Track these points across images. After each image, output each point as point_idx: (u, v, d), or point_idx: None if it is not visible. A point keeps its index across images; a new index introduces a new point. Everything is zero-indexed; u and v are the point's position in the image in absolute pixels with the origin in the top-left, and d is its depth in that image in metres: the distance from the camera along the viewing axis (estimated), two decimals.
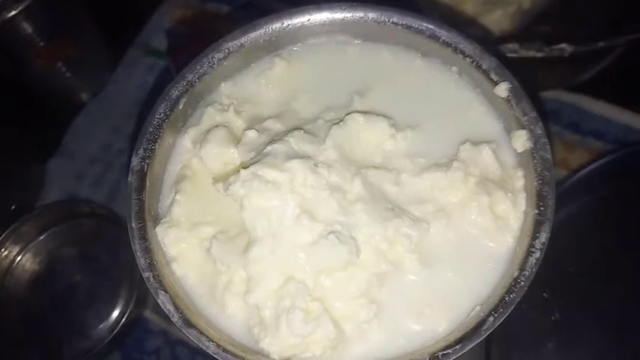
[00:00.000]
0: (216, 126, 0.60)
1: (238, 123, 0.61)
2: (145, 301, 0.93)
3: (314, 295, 0.51)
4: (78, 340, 0.90)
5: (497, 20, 0.93)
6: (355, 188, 0.54)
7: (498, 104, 0.58)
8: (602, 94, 0.95)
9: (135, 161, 0.57)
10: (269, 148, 0.54)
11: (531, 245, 0.51)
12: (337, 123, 0.58)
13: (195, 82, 0.61)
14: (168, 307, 0.52)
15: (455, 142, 0.58)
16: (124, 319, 0.88)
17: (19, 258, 0.96)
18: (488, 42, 0.70)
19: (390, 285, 0.53)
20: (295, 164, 0.52)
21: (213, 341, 0.50)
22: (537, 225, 0.52)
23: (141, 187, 0.56)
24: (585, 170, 0.85)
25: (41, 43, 0.96)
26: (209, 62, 0.61)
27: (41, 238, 0.97)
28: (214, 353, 0.50)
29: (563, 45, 0.77)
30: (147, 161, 0.57)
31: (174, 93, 0.60)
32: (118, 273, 0.92)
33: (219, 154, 0.58)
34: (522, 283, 0.50)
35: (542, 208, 0.52)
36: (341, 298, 0.52)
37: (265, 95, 0.63)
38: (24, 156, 1.06)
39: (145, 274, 0.53)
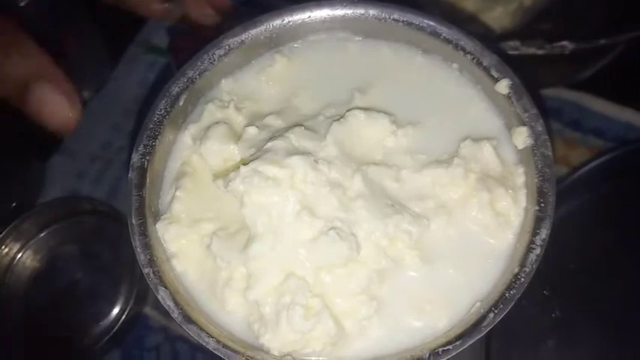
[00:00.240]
0: (217, 122, 0.60)
1: (239, 119, 0.61)
2: (146, 298, 0.93)
3: (314, 292, 0.51)
4: (78, 337, 0.90)
5: (498, 17, 0.93)
6: (356, 185, 0.54)
7: (499, 101, 0.58)
8: (603, 92, 0.95)
9: (135, 158, 0.57)
10: (269, 144, 0.54)
11: (532, 242, 0.51)
12: (338, 119, 0.58)
13: (195, 78, 0.61)
14: (168, 303, 0.51)
15: (455, 139, 0.58)
16: (124, 316, 0.89)
17: (19, 255, 0.96)
18: (489, 39, 0.70)
19: (391, 281, 0.53)
20: (296, 160, 0.52)
21: (213, 337, 0.50)
22: (538, 222, 0.52)
23: (141, 184, 0.56)
24: (586, 168, 0.85)
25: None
26: (209, 59, 0.61)
27: (42, 235, 0.97)
28: (214, 349, 0.50)
29: (564, 42, 0.77)
30: (147, 158, 0.57)
31: (175, 89, 0.60)
32: (118, 270, 0.92)
33: (220, 151, 0.58)
34: (523, 279, 0.50)
35: (542, 205, 0.52)
36: (341, 294, 0.52)
37: (266, 92, 0.63)
38: (25, 154, 1.06)
39: (145, 270, 0.53)
